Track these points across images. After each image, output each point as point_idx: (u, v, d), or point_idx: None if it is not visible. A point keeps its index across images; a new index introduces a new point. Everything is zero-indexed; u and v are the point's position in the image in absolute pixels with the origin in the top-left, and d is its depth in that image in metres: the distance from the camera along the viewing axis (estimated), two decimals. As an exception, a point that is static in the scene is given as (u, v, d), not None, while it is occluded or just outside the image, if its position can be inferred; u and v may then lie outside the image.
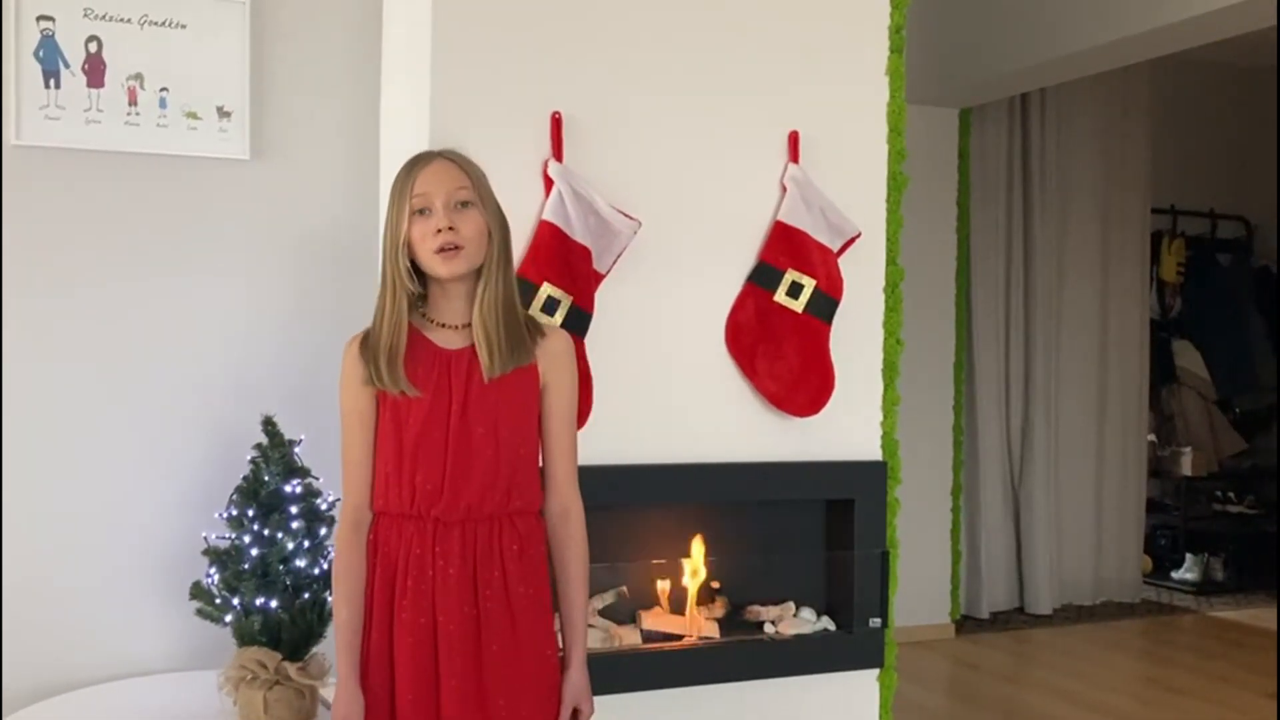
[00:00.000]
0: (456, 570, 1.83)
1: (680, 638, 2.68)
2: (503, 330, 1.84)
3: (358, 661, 1.85)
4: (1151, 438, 6.33)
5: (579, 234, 2.47)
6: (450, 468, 1.83)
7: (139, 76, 2.69)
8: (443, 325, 1.88)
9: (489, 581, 1.84)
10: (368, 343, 1.86)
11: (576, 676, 1.93)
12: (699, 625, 2.71)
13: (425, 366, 1.84)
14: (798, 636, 2.76)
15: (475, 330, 1.85)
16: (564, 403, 1.94)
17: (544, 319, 1.98)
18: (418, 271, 1.86)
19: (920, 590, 5.01)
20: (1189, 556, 6.27)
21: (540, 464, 1.97)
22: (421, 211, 1.82)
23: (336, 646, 1.86)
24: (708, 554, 2.71)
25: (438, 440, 1.83)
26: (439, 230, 1.80)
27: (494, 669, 1.84)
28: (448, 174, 1.85)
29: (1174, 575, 6.29)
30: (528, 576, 1.88)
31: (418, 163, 1.86)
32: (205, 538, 2.45)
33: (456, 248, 1.81)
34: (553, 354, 1.92)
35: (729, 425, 2.70)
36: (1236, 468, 6.57)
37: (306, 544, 2.36)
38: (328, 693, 2.37)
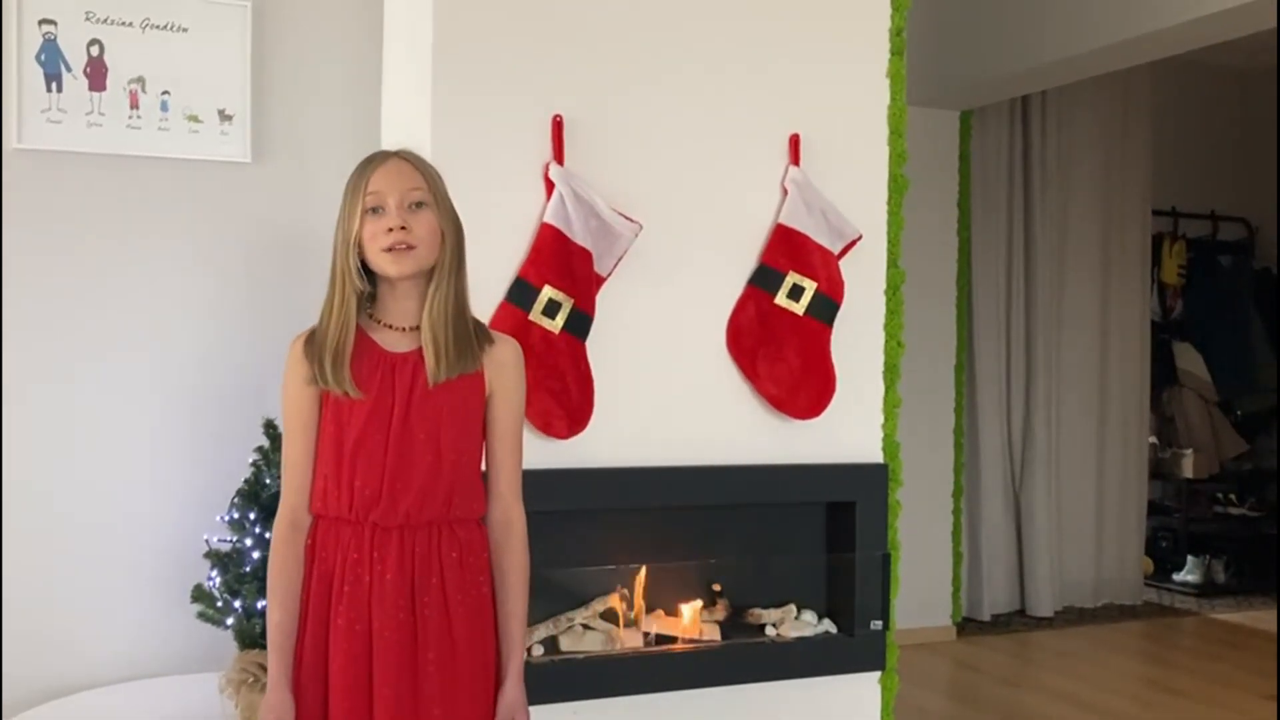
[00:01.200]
0: (393, 576, 1.79)
1: (682, 641, 2.68)
2: (451, 335, 1.81)
3: (290, 664, 1.81)
4: (1152, 440, 6.33)
5: (580, 236, 2.48)
6: (389, 473, 1.79)
7: (140, 80, 2.70)
8: (390, 327, 1.85)
9: (426, 589, 1.81)
10: (313, 340, 1.83)
11: (512, 689, 1.88)
12: (698, 628, 2.71)
13: (369, 368, 1.81)
14: (799, 639, 2.76)
15: (423, 333, 1.82)
16: (510, 412, 1.90)
17: (496, 333, 1.93)
18: (367, 271, 1.83)
19: (921, 593, 5.01)
20: (1190, 558, 6.26)
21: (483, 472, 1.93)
22: (374, 210, 1.80)
23: (269, 648, 1.82)
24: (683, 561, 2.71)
25: (378, 444, 1.80)
26: (391, 229, 1.78)
27: (429, 678, 1.80)
28: (402, 174, 1.82)
29: (1175, 577, 6.28)
30: (467, 585, 1.84)
31: (372, 161, 1.84)
32: (207, 541, 2.45)
33: (408, 247, 1.79)
34: (500, 362, 1.88)
35: (730, 428, 2.70)
36: (1238, 470, 6.56)
37: (308, 547, 2.36)
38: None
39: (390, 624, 1.78)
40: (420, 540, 1.81)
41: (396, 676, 1.78)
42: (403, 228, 1.78)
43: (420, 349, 1.82)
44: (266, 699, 1.80)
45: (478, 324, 1.90)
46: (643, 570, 2.69)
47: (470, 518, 1.87)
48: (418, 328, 1.83)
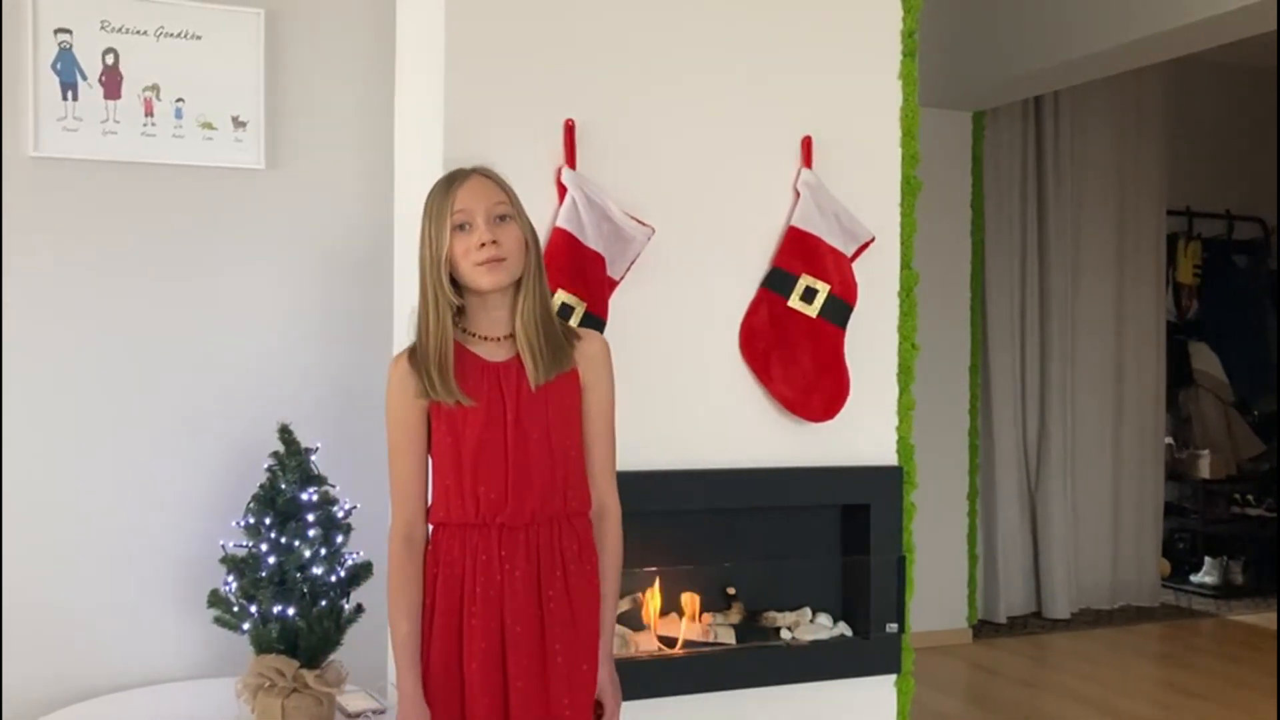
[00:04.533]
0: (523, 573, 1.87)
1: (694, 644, 2.68)
2: (544, 338, 1.89)
3: (421, 675, 1.87)
4: (1169, 440, 6.30)
5: (592, 241, 2.48)
6: (512, 475, 1.86)
7: (155, 88, 2.71)
8: (484, 338, 1.91)
9: (552, 583, 1.89)
10: (415, 357, 1.88)
11: (603, 671, 1.96)
12: (710, 630, 2.71)
13: (474, 379, 1.87)
14: (814, 642, 2.75)
15: (519, 340, 1.89)
16: (603, 404, 1.99)
17: (582, 329, 2.03)
18: (455, 286, 1.89)
19: (937, 595, 4.99)
20: (1208, 560, 6.23)
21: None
22: (462, 227, 1.85)
23: (399, 662, 1.87)
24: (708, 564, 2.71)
25: (497, 449, 1.86)
26: (483, 244, 1.83)
27: (558, 669, 1.88)
28: (486, 190, 1.88)
29: (1193, 579, 6.25)
30: (586, 577, 1.93)
31: (455, 179, 1.89)
32: (223, 546, 2.46)
33: (500, 260, 1.84)
34: (590, 357, 1.97)
35: (743, 431, 2.70)
36: (1255, 470, 6.52)
37: (323, 551, 2.36)
38: (345, 700, 2.38)
39: (522, 619, 1.87)
40: (544, 536, 1.89)
41: (528, 669, 1.86)
42: (494, 242, 1.84)
43: (517, 356, 1.89)
44: (403, 711, 1.86)
45: (564, 324, 1.98)
46: (657, 574, 2.68)
47: (583, 510, 1.96)
48: (510, 336, 1.90)
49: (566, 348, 1.93)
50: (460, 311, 1.91)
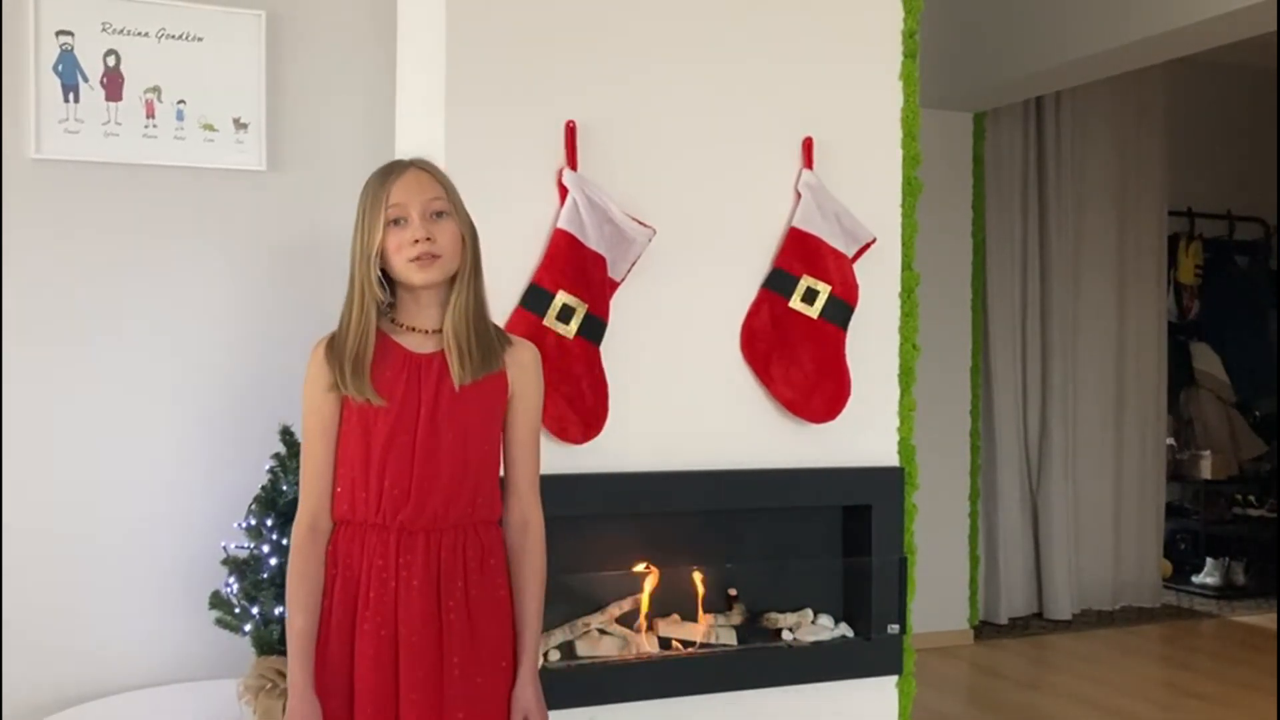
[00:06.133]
0: (420, 581, 1.81)
1: (694, 644, 2.68)
2: (474, 338, 1.84)
3: (313, 671, 1.81)
4: (1170, 441, 6.29)
5: (594, 242, 2.48)
6: (417, 474, 1.81)
7: (156, 89, 2.71)
8: (411, 329, 1.87)
9: (451, 592, 1.83)
10: (333, 347, 1.84)
11: (528, 690, 1.89)
12: (712, 631, 2.71)
13: (394, 370, 1.83)
14: (816, 643, 2.75)
15: (446, 337, 1.84)
16: (530, 413, 1.93)
17: (515, 336, 1.96)
18: (386, 279, 1.85)
19: (938, 596, 4.99)
20: (1209, 561, 6.22)
21: (500, 473, 1.95)
22: (397, 221, 1.82)
23: (290, 654, 1.82)
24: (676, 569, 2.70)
25: (405, 446, 1.82)
26: (416, 240, 1.80)
27: (454, 681, 1.82)
28: (422, 184, 1.84)
29: (1194, 580, 6.24)
30: (488, 587, 1.87)
31: (391, 172, 1.86)
32: (224, 547, 2.46)
33: (434, 257, 1.81)
34: (521, 364, 1.91)
35: (744, 432, 2.70)
36: (1257, 471, 6.52)
37: (325, 553, 2.36)
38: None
39: (417, 628, 1.80)
40: (445, 543, 1.83)
41: (422, 680, 1.80)
42: (428, 238, 1.80)
43: (442, 351, 1.84)
44: (293, 706, 1.80)
45: (496, 327, 1.93)
46: (657, 575, 2.68)
47: (491, 519, 1.90)
48: (439, 331, 1.85)
49: (497, 350, 1.88)
50: (391, 304, 1.87)
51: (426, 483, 1.81)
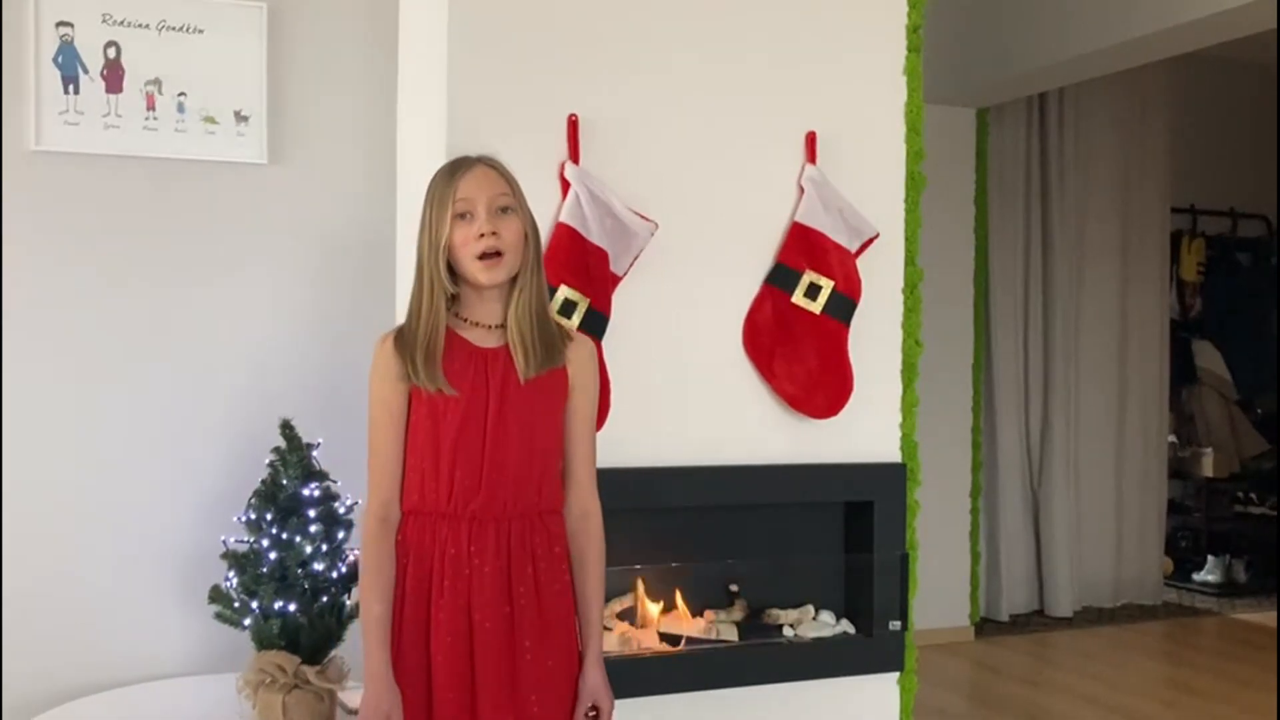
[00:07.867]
0: (492, 568, 1.85)
1: (695, 640, 2.67)
2: (537, 333, 1.88)
3: (390, 659, 1.84)
4: (1172, 439, 6.29)
5: (596, 236, 2.47)
6: (488, 464, 1.85)
7: (157, 82, 2.70)
8: (475, 324, 1.90)
9: (522, 579, 1.87)
10: (403, 339, 1.87)
11: (594, 673, 1.94)
12: (713, 627, 2.70)
13: (461, 363, 1.86)
14: (817, 640, 2.75)
15: (510, 333, 1.88)
16: (588, 406, 1.98)
17: (564, 324, 2.00)
18: (451, 272, 1.88)
19: (940, 593, 4.99)
20: (1211, 558, 6.22)
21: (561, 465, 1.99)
22: (463, 216, 1.85)
23: (368, 642, 1.84)
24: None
25: (475, 437, 1.85)
26: (482, 235, 1.83)
27: (527, 666, 1.86)
28: (490, 180, 1.87)
29: (1195, 577, 6.24)
30: (556, 574, 1.91)
31: (459, 167, 1.88)
32: (224, 541, 2.45)
33: (499, 254, 1.84)
34: (580, 359, 1.96)
35: (746, 427, 2.69)
36: (1258, 469, 6.51)
37: (325, 547, 2.36)
38: (346, 696, 2.37)
39: (490, 615, 1.84)
40: (515, 531, 1.88)
41: (496, 666, 1.84)
42: (494, 233, 1.83)
43: (507, 345, 1.88)
44: (376, 692, 1.82)
45: (557, 321, 1.98)
46: (658, 570, 2.68)
47: (555, 509, 1.95)
48: (502, 326, 1.89)
49: (559, 345, 1.92)
50: (455, 297, 1.90)
51: (496, 473, 1.85)
